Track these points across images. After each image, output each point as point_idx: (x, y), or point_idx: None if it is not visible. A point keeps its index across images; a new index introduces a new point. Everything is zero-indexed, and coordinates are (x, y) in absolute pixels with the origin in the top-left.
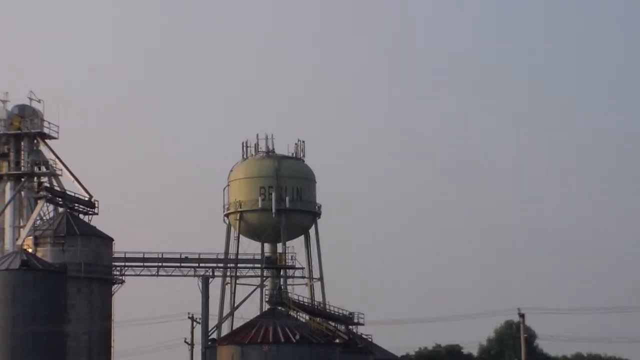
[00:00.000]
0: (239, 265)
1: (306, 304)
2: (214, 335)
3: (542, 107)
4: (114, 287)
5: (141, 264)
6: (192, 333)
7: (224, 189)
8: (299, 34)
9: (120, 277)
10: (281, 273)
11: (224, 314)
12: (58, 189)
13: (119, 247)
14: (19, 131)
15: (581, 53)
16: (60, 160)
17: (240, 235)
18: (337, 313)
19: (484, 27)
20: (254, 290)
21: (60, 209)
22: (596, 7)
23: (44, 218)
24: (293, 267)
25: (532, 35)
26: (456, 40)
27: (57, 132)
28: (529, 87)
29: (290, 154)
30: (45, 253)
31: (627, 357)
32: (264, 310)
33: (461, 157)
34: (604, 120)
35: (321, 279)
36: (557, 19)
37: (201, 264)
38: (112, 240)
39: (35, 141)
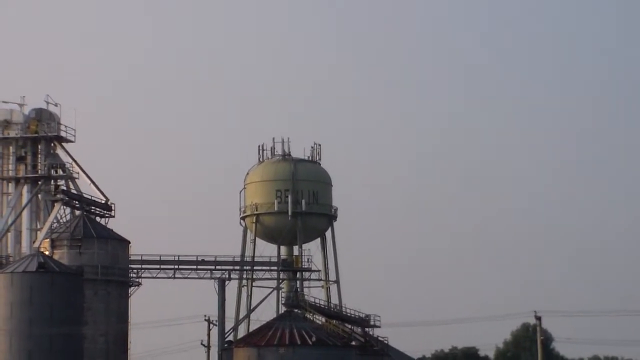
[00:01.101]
0: (255, 267)
1: (322, 306)
2: (231, 338)
3: (558, 105)
4: (131, 290)
5: (158, 266)
6: (208, 335)
7: (241, 191)
8: (316, 36)
9: (137, 280)
10: (297, 275)
11: (240, 317)
12: (75, 191)
13: (136, 250)
14: (36, 134)
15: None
16: (77, 164)
17: (257, 238)
18: (353, 315)
19: (498, 29)
20: (271, 292)
21: (77, 212)
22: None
23: (61, 221)
24: (309, 270)
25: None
26: (470, 42)
27: (74, 136)
28: (544, 86)
29: (306, 157)
30: (62, 256)
31: None
32: (280, 312)
33: (478, 159)
34: (620, 121)
35: (337, 281)
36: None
37: (217, 267)
38: (129, 242)
39: (52, 144)
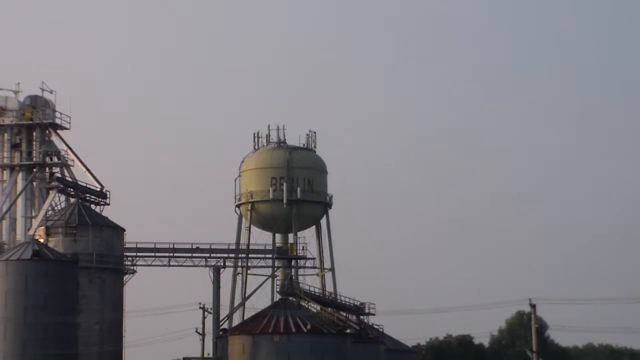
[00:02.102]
0: (250, 255)
1: (317, 294)
2: (225, 325)
3: (557, 94)
4: (126, 278)
5: (152, 254)
6: (203, 323)
7: (236, 179)
8: (312, 24)
9: (132, 268)
10: (292, 263)
11: (235, 304)
12: (70, 179)
13: (131, 238)
14: (31, 122)
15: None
16: (72, 151)
17: (252, 226)
18: (348, 303)
19: (499, 26)
20: (265, 280)
21: (72, 200)
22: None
23: (56, 208)
24: (304, 258)
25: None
26: (465, 35)
27: (69, 123)
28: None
29: (301, 145)
30: (56, 243)
31: (639, 347)
32: (275, 300)
33: (472, 147)
34: (619, 111)
35: (332, 269)
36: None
37: (212, 254)
38: (124, 230)
39: (47, 132)
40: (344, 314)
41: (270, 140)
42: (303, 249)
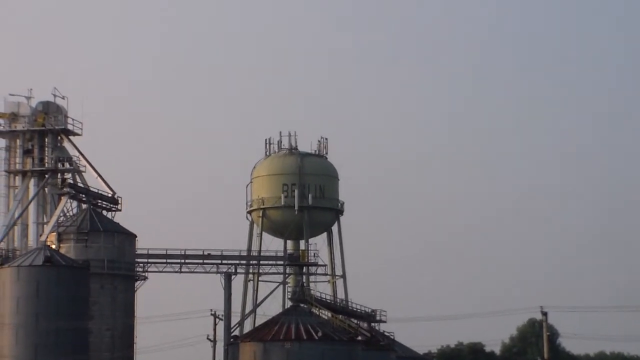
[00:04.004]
0: (261, 262)
1: (328, 301)
2: (236, 332)
3: (567, 94)
4: (137, 284)
5: (164, 260)
6: (214, 330)
7: (247, 185)
8: (323, 30)
9: (143, 274)
10: (304, 270)
11: (247, 311)
12: (81, 185)
13: (142, 244)
14: (43, 127)
15: None
16: (84, 157)
17: (263, 232)
18: (359, 310)
19: (507, 28)
20: (277, 287)
21: (84, 206)
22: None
23: (68, 214)
24: (315, 264)
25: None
26: (472, 40)
27: (81, 129)
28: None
29: (313, 151)
30: (68, 249)
31: None
32: (286, 307)
33: (484, 154)
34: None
35: (344, 276)
36: None
37: (224, 261)
38: (135, 236)
39: (59, 138)
40: (355, 321)
41: (282, 147)
42: (314, 255)
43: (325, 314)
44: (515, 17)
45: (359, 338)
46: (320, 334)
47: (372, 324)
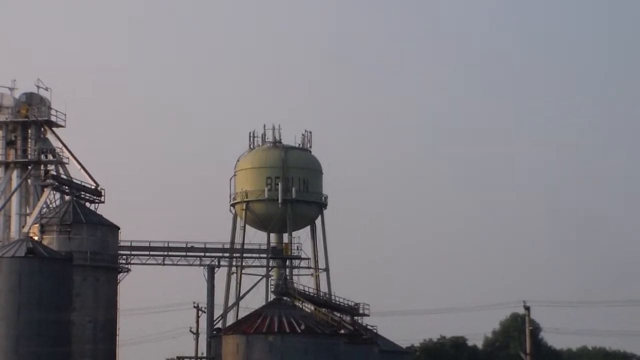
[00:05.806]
0: (244, 255)
1: (311, 294)
2: (219, 325)
3: (556, 99)
4: (120, 276)
5: (147, 252)
6: (197, 322)
7: (231, 178)
8: (309, 24)
9: (126, 266)
10: (287, 263)
11: (230, 304)
12: (65, 177)
13: (125, 236)
14: (26, 119)
15: None
16: (67, 149)
17: (247, 225)
18: (342, 304)
19: (500, 28)
20: (260, 280)
21: (67, 197)
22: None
23: (51, 206)
24: (299, 258)
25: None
26: (466, 36)
27: (64, 120)
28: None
29: (297, 145)
30: (51, 241)
31: (632, 350)
32: (269, 300)
33: (468, 150)
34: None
35: (327, 269)
36: None
37: (207, 254)
38: (118, 228)
39: (42, 129)
40: (338, 315)
41: (266, 140)
42: (298, 249)
43: (308, 307)
44: (513, 18)
45: (342, 331)
46: (303, 327)
47: (355, 318)
